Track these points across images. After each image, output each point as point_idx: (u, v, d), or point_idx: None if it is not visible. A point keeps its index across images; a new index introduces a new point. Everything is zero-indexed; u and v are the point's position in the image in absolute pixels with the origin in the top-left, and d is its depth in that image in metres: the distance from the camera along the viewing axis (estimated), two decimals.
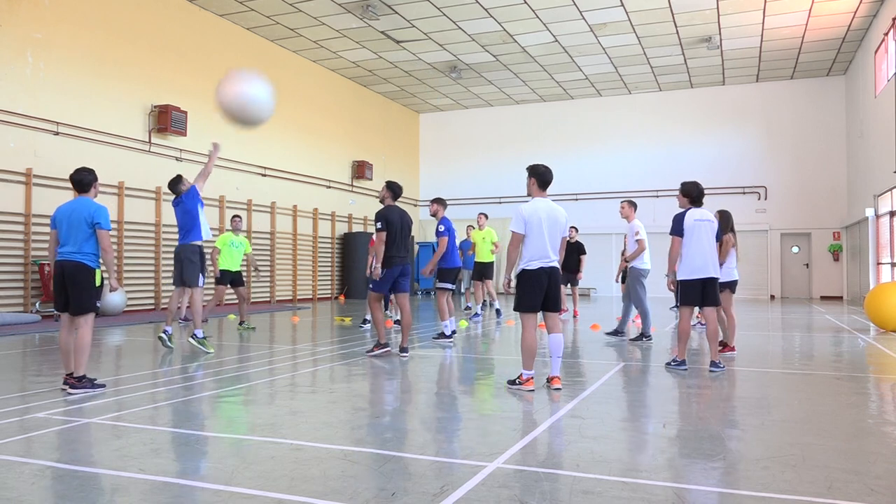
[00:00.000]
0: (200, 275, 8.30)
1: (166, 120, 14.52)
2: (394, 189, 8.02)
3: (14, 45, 12.12)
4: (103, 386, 5.86)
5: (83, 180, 5.87)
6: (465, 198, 25.53)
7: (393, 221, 7.77)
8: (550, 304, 5.85)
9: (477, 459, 3.79)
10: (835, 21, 17.01)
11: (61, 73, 12.90)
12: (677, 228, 7.07)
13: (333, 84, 21.15)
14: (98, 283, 5.84)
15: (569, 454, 4.11)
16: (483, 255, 13.15)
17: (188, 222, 8.28)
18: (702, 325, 10.55)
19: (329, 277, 20.95)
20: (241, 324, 10.95)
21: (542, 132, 24.70)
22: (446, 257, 9.66)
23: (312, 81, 20.11)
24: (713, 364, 6.96)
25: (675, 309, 7.55)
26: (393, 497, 3.19)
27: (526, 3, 15.64)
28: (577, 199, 23.77)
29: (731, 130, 22.66)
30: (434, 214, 9.58)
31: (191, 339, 8.21)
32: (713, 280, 7.01)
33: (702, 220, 7.05)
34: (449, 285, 9.82)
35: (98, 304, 5.92)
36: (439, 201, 9.63)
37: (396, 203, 8.02)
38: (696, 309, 7.45)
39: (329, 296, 20.86)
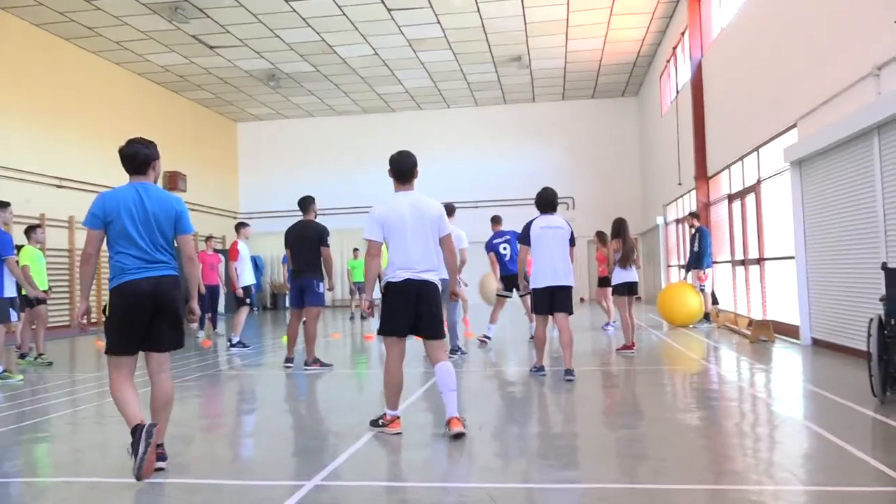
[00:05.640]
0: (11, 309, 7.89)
1: None
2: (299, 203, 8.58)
3: None
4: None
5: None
6: (287, 210, 24.86)
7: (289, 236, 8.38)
8: (423, 326, 4.68)
9: (295, 479, 3.69)
10: (626, 48, 18.77)
11: None
12: (523, 236, 7.10)
13: (140, 89, 19.72)
14: None
15: (389, 465, 4.14)
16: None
17: None
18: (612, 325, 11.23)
19: None
20: (39, 356, 9.24)
21: (364, 143, 24.69)
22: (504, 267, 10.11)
23: (116, 85, 18.60)
24: (567, 371, 6.70)
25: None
26: None
27: (345, 14, 15.65)
28: None
29: (541, 144, 24.14)
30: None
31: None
32: (564, 288, 6.84)
33: (549, 227, 6.94)
34: (506, 293, 10.15)
35: None
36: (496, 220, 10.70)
37: (306, 214, 8.39)
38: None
39: None
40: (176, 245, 4.06)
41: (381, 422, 4.73)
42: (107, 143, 17.85)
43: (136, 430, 3.64)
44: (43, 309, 9.32)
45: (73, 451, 4.38)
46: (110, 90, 18.39)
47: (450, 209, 9.52)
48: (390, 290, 4.69)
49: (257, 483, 3.70)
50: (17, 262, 8.26)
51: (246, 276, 10.57)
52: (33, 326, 9.40)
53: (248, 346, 10.43)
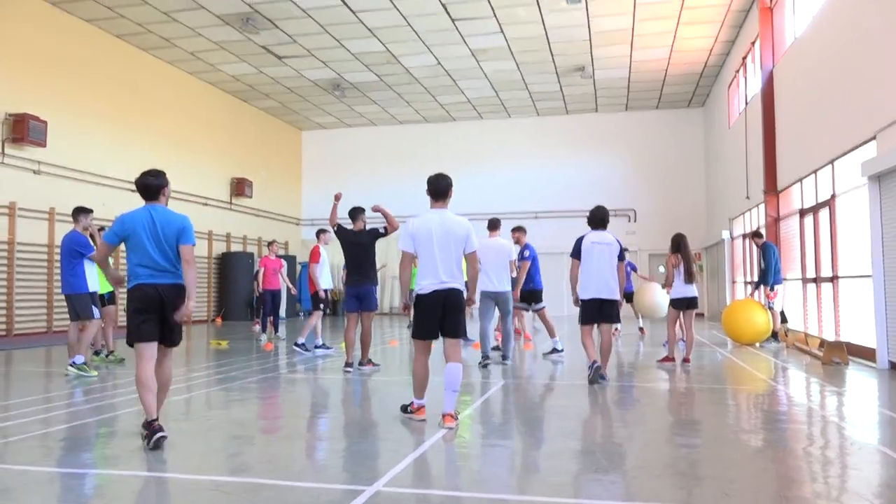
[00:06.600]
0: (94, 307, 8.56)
1: (23, 130, 13.45)
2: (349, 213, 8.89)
3: None
4: None
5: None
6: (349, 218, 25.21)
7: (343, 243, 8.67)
8: (447, 326, 5.27)
9: (356, 484, 3.73)
10: (693, 57, 18.39)
11: None
12: (575, 251, 7.48)
13: (211, 98, 20.43)
14: None
15: (449, 474, 4.13)
16: None
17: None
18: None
19: (206, 299, 20.07)
20: (109, 353, 9.61)
21: (425, 152, 24.90)
22: (530, 280, 10.19)
23: (188, 94, 19.32)
24: (601, 376, 7.19)
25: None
26: None
27: (409, 24, 15.84)
28: None
29: (604, 156, 23.82)
30: (517, 242, 10.29)
31: (70, 367, 8.16)
32: (612, 301, 7.33)
33: (599, 242, 7.39)
34: (524, 305, 10.34)
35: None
36: (521, 229, 10.60)
37: (355, 224, 8.83)
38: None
39: (205, 318, 19.97)
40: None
41: (409, 409, 5.38)
42: (179, 150, 18.54)
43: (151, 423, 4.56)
44: (112, 308, 9.79)
45: (142, 446, 4.52)
46: (183, 99, 19.09)
47: (494, 223, 9.71)
48: (421, 301, 5.28)
49: (318, 485, 3.74)
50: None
51: (323, 281, 10.76)
52: (103, 325, 9.78)
53: (330, 348, 10.80)
